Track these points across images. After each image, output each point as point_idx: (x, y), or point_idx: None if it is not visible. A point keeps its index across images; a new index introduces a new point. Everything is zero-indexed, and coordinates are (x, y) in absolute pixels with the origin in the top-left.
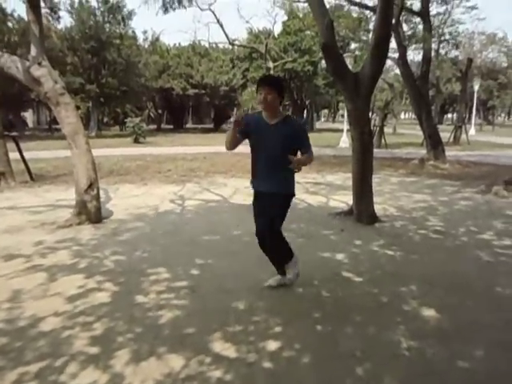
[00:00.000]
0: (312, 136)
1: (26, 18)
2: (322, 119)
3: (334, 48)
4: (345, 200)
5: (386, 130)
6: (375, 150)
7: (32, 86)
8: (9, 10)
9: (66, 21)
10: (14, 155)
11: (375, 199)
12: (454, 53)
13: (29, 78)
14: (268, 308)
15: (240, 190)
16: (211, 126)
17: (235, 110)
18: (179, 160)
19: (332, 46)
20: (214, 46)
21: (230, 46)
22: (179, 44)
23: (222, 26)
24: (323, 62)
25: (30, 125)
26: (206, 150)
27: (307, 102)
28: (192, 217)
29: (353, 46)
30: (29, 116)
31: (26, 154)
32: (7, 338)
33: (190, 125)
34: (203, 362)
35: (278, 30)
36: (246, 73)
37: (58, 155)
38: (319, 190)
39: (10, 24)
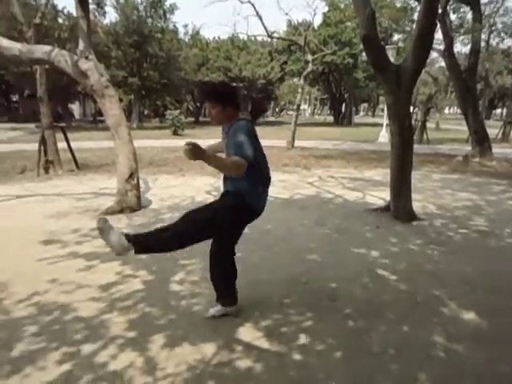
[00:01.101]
0: (350, 130)
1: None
2: (361, 113)
3: (375, 40)
4: (383, 196)
5: (428, 125)
6: (416, 146)
7: (79, 79)
8: (59, 7)
9: (111, 16)
10: (61, 145)
11: (415, 196)
12: (506, 43)
13: (76, 72)
14: (300, 302)
15: (274, 184)
16: None
17: (272, 103)
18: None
19: (373, 37)
20: (252, 38)
21: (269, 39)
22: (218, 37)
23: (261, 18)
24: (364, 54)
25: (77, 116)
26: None
27: (346, 96)
28: None
29: (396, 37)
30: (75, 108)
31: (73, 144)
32: (49, 321)
33: None
34: (234, 350)
35: (317, 21)
36: (285, 66)
37: (102, 146)
38: (356, 185)
39: (60, 20)
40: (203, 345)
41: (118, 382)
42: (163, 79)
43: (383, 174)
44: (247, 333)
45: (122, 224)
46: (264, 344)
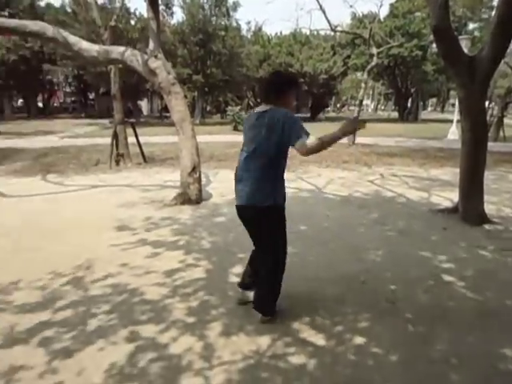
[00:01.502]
0: (416, 127)
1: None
2: (429, 109)
3: (448, 30)
4: (451, 197)
5: (506, 121)
6: (490, 144)
7: (148, 77)
8: (131, 9)
9: (177, 16)
10: (130, 139)
11: (488, 198)
12: None
13: (146, 70)
14: (357, 301)
15: (334, 181)
16: (307, 115)
17: (333, 98)
18: None
19: (445, 28)
20: (315, 33)
21: (332, 33)
22: (280, 33)
23: (324, 12)
24: (434, 45)
25: (145, 112)
26: None
27: (412, 90)
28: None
29: (471, 26)
30: (143, 104)
31: (140, 139)
32: (119, 301)
33: None
34: (289, 344)
35: (384, 13)
36: (347, 60)
37: (167, 140)
38: (421, 185)
39: (132, 22)
40: (258, 336)
41: (176, 364)
42: (225, 76)
43: (452, 173)
44: (302, 328)
45: (185, 215)
46: (319, 341)
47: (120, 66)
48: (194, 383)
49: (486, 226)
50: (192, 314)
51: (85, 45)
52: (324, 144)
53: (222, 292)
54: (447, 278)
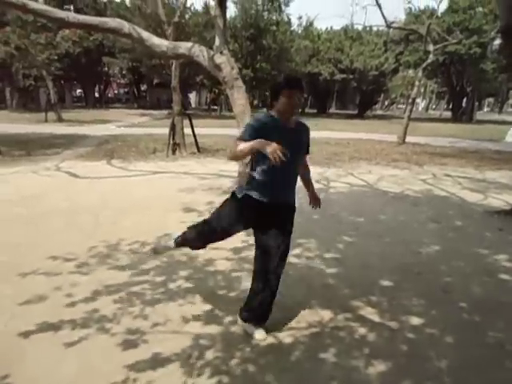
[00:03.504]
0: (472, 128)
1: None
2: (485, 109)
3: None
4: (508, 200)
5: None
6: None
7: (213, 72)
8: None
9: (230, 11)
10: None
11: None
12: None
13: (212, 65)
14: (412, 289)
15: (385, 178)
16: (355, 112)
17: (382, 95)
18: (323, 144)
19: None
20: (367, 29)
21: (384, 29)
22: (331, 28)
23: (380, 7)
24: (495, 43)
25: (193, 105)
26: (349, 135)
27: (468, 89)
28: (338, 198)
29: None
30: (192, 97)
31: (188, 131)
32: (195, 269)
33: (333, 110)
34: (349, 318)
35: (442, 8)
36: (400, 56)
37: (216, 132)
38: (476, 186)
39: (186, 16)
40: (320, 310)
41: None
42: (274, 71)
43: (510, 176)
44: (361, 307)
45: None
46: (376, 318)
47: (181, 60)
48: (268, 342)
49: None
50: None
51: (156, 40)
52: (236, 153)
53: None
54: (502, 275)
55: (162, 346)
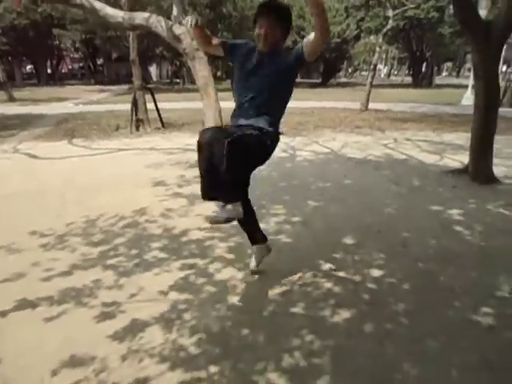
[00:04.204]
0: (430, 92)
1: None
2: (444, 73)
3: None
4: (462, 160)
5: None
6: (507, 109)
7: (173, 43)
8: None
9: None
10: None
11: (500, 161)
12: None
13: (171, 36)
14: (373, 246)
15: (349, 144)
16: (319, 80)
17: (345, 63)
18: (288, 114)
19: None
20: None
21: None
22: None
23: None
24: (452, 7)
25: (154, 78)
26: (314, 104)
27: (427, 54)
28: (304, 165)
29: None
30: (153, 70)
31: (151, 106)
32: (171, 239)
33: (297, 79)
34: (316, 275)
35: None
36: (361, 23)
37: (180, 106)
38: (434, 148)
39: None
40: (288, 269)
41: (223, 287)
42: (236, 39)
43: (466, 137)
44: (326, 265)
45: None
46: (340, 273)
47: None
48: (242, 301)
49: (495, 186)
50: (231, 252)
51: (110, 11)
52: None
53: None
54: (456, 227)
55: (140, 313)
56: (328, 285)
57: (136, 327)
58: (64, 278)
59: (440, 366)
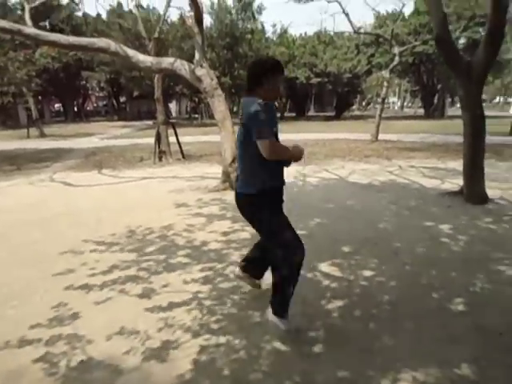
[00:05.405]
0: (441, 123)
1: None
2: (458, 105)
3: (448, 39)
4: (461, 183)
5: None
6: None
7: (194, 83)
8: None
9: (206, 21)
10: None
11: (495, 184)
12: None
13: (193, 77)
14: (368, 253)
15: (356, 171)
16: (333, 113)
17: (358, 97)
18: (302, 145)
19: (445, 37)
20: (339, 33)
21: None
22: (305, 34)
23: (347, 15)
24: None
25: (174, 114)
26: (326, 136)
27: (439, 87)
28: (312, 189)
29: None
30: (172, 106)
31: (172, 139)
32: (193, 248)
33: (312, 113)
34: (316, 275)
35: (409, 10)
36: (372, 58)
37: (198, 140)
38: (436, 174)
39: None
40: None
41: (237, 284)
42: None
43: None
44: (325, 267)
45: (229, 197)
46: (337, 274)
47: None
48: (253, 293)
49: (487, 205)
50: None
51: (141, 57)
52: (279, 155)
53: None
54: (443, 239)
55: (170, 299)
56: (326, 282)
57: (167, 307)
58: (105, 275)
59: (413, 339)
